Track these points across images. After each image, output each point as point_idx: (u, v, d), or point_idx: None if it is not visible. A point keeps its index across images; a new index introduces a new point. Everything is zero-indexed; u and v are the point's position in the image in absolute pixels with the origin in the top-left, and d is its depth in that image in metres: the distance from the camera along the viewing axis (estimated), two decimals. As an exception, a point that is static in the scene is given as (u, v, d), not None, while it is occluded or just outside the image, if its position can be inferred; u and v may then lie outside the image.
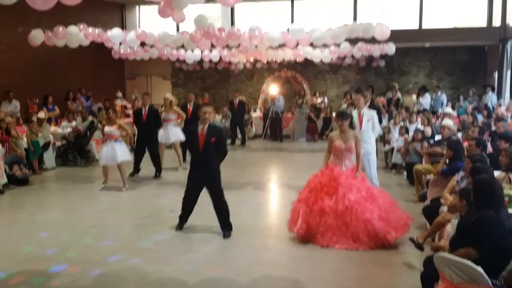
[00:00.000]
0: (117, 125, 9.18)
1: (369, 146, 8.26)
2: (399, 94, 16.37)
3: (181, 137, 11.00)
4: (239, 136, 15.76)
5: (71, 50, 11.90)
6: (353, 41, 12.56)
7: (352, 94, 15.62)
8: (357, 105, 8.37)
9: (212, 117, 6.47)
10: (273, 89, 16.62)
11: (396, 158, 10.56)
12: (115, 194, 9.05)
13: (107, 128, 9.18)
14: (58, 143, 11.97)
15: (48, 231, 6.83)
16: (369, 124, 8.25)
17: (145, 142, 10.34)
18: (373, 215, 5.89)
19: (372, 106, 9.47)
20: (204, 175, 6.36)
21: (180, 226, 6.77)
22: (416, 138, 9.62)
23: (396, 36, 12.26)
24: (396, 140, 10.94)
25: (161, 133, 10.86)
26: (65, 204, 8.42)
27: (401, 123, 11.44)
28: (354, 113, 8.17)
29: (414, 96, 16.16)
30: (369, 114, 8.32)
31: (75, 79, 15.69)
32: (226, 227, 6.56)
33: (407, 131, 10.58)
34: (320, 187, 6.15)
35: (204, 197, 6.61)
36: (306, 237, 6.13)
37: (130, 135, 9.98)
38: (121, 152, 9.14)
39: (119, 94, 16.77)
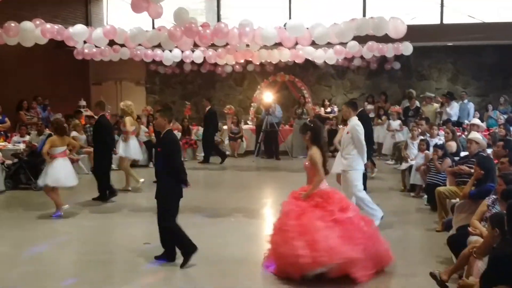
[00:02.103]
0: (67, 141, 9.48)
1: (345, 161, 8.43)
2: (417, 103, 16.47)
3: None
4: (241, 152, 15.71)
5: (25, 50, 11.88)
6: (362, 39, 12.64)
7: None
8: (345, 116, 8.60)
9: (159, 122, 6.83)
10: (267, 96, 16.66)
11: (415, 179, 10.58)
12: (77, 224, 8.97)
13: (60, 148, 9.27)
14: (8, 162, 11.86)
15: (-6, 269, 6.75)
16: (348, 136, 8.45)
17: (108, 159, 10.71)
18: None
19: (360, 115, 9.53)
20: (157, 188, 6.72)
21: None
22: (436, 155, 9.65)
23: (413, 33, 12.35)
24: (415, 157, 10.97)
25: (123, 147, 11.29)
26: (16, 236, 8.31)
27: (421, 137, 11.49)
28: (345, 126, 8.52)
29: (436, 105, 16.27)
30: (349, 126, 8.52)
31: (29, 85, 15.63)
32: (167, 254, 6.80)
33: (427, 147, 10.63)
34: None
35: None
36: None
37: (78, 148, 10.23)
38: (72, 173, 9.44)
39: (83, 102, 16.72)
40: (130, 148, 11.47)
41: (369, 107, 16.95)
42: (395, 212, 9.48)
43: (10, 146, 12.66)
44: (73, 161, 12.09)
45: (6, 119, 13.92)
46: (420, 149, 10.72)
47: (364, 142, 8.36)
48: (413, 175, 10.69)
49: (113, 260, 7.06)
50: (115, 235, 8.38)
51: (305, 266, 5.88)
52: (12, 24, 10.78)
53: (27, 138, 12.99)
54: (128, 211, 9.79)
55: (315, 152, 6.43)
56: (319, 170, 6.32)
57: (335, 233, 5.95)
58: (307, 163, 6.52)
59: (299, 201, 6.28)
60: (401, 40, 12.50)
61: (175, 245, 6.79)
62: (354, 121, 8.48)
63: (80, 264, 6.98)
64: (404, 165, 11.42)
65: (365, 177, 9.91)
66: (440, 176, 9.36)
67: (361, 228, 6.13)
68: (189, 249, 6.70)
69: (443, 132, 11.62)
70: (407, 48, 14.00)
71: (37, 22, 10.96)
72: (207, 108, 15.77)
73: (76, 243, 7.93)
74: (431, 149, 10.32)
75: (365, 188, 10.67)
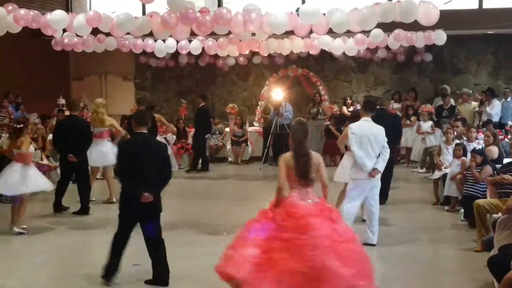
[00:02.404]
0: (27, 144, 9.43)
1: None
2: (452, 101, 16.43)
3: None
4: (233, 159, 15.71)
5: (-5, 40, 11.95)
6: (388, 27, 12.62)
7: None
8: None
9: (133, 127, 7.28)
10: (277, 93, 16.66)
11: (450, 190, 10.55)
12: (54, 241, 8.99)
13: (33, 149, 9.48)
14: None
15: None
16: None
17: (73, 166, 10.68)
18: None
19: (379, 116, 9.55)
20: None
21: None
22: (474, 162, 9.62)
23: (447, 19, 12.32)
24: (450, 164, 10.94)
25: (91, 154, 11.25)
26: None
27: (457, 141, 11.46)
28: None
29: (474, 104, 16.21)
30: None
31: (-1, 80, 15.72)
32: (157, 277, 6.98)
33: (464, 152, 10.59)
34: None
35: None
36: None
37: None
38: (40, 179, 9.45)
39: (62, 100, 16.76)
40: (90, 154, 11.19)
41: (396, 106, 16.92)
42: (426, 228, 9.46)
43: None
44: (50, 169, 12.18)
45: (-26, 119, 13.96)
46: (456, 155, 10.69)
47: (354, 148, 8.35)
48: (447, 186, 10.65)
49: (94, 286, 7.04)
50: (98, 255, 8.35)
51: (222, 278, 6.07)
52: (-20, 10, 10.83)
53: (-3, 142, 13.02)
54: (113, 227, 9.71)
55: (283, 156, 6.52)
56: (279, 177, 6.36)
57: (253, 249, 5.91)
58: None
59: (266, 211, 6.31)
60: (433, 27, 12.46)
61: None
62: (353, 124, 8.70)
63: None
64: (437, 174, 11.39)
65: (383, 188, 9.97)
66: (479, 187, 9.33)
67: (308, 255, 5.83)
68: (107, 270, 6.96)
69: (482, 135, 11.57)
70: (440, 37, 13.96)
71: (10, 8, 11.01)
72: (200, 106, 15.83)
73: (51, 264, 7.91)
74: (469, 155, 10.29)
75: (384, 201, 10.66)
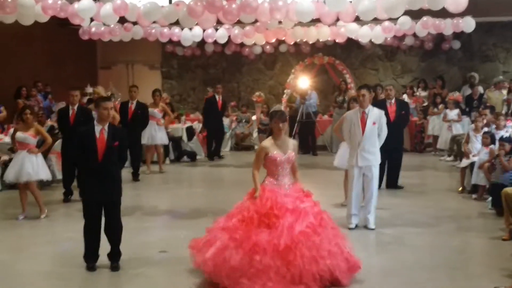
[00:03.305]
0: (33, 131, 9.48)
1: (373, 157, 8.56)
2: (481, 89, 16.27)
3: None
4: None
5: (24, 30, 12.07)
6: (415, 14, 12.53)
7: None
8: (362, 102, 8.58)
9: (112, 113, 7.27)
10: (303, 81, 16.64)
11: (478, 178, 10.47)
12: (81, 228, 9.03)
13: (19, 134, 9.45)
14: (5, 158, 12.04)
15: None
16: (374, 128, 8.55)
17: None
18: (320, 252, 6.14)
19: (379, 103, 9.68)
20: (105, 188, 6.98)
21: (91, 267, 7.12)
22: (503, 150, 9.54)
23: (476, 6, 12.19)
24: (478, 152, 10.85)
25: None
26: (12, 242, 8.46)
27: (485, 129, 11.36)
28: (355, 112, 8.61)
29: (504, 92, 16.05)
30: (376, 115, 8.61)
31: (28, 70, 15.88)
32: (115, 255, 7.19)
33: (493, 141, 10.50)
34: (258, 217, 6.36)
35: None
36: (215, 277, 6.24)
37: (49, 144, 10.37)
38: (37, 167, 9.46)
39: (89, 89, 16.92)
40: None
41: (423, 94, 16.83)
42: (453, 217, 9.41)
43: (6, 139, 12.77)
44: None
45: (2, 108, 14.08)
46: (484, 143, 10.60)
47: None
48: (475, 174, 10.57)
49: (119, 273, 7.12)
50: (125, 242, 8.42)
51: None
52: (8, 0, 10.92)
53: (26, 130, 13.16)
54: (141, 214, 9.86)
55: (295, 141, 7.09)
56: None
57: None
58: (292, 153, 6.80)
59: None
60: (461, 14, 12.34)
61: None
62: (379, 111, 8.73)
63: (87, 273, 7.08)
64: (464, 162, 11.30)
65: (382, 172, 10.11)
66: (508, 175, 9.24)
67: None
68: (85, 255, 7.18)
69: (511, 124, 11.45)
70: (468, 24, 13.81)
71: (37, -3, 11.10)
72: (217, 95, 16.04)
73: (78, 251, 7.97)
74: (497, 143, 10.21)
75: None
